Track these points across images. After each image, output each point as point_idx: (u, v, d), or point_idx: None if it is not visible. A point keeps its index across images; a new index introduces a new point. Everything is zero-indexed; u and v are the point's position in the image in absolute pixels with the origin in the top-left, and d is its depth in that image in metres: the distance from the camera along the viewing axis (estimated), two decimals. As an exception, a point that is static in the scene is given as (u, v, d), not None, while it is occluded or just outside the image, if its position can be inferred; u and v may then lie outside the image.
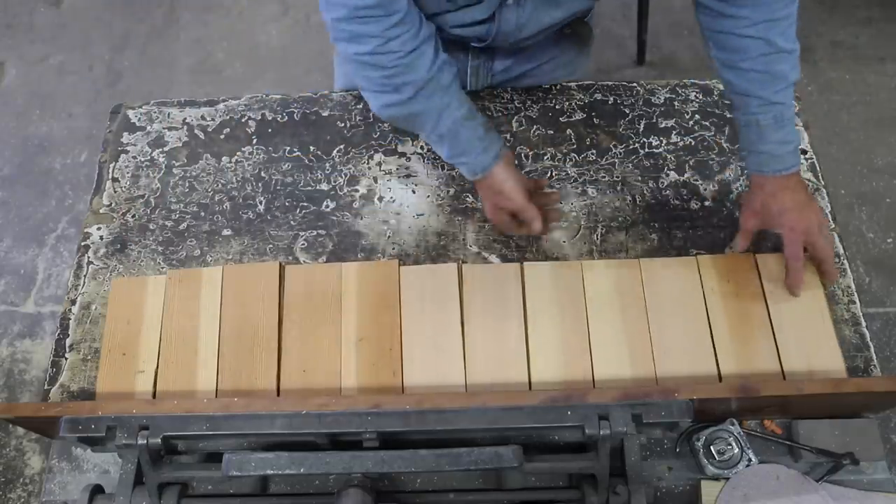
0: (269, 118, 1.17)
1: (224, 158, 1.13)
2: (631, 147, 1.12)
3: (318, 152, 1.13)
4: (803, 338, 0.92)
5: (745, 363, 0.91)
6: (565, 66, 1.20)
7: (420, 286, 0.97)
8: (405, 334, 0.94)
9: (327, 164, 1.12)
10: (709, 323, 0.93)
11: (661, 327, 0.93)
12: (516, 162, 1.11)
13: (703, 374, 0.90)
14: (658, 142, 1.13)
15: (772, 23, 0.87)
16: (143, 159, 1.14)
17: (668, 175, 1.10)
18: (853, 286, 1.00)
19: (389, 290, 0.97)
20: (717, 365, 0.91)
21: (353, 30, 0.82)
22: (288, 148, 1.13)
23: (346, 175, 1.11)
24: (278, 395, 0.91)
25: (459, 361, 0.92)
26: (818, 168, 1.10)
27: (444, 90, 0.89)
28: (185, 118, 1.18)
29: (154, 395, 0.92)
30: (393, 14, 0.82)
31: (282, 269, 0.99)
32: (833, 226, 1.05)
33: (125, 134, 1.16)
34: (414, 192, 1.09)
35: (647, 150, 1.12)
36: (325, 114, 1.17)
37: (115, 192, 1.11)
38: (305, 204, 1.09)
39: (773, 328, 0.93)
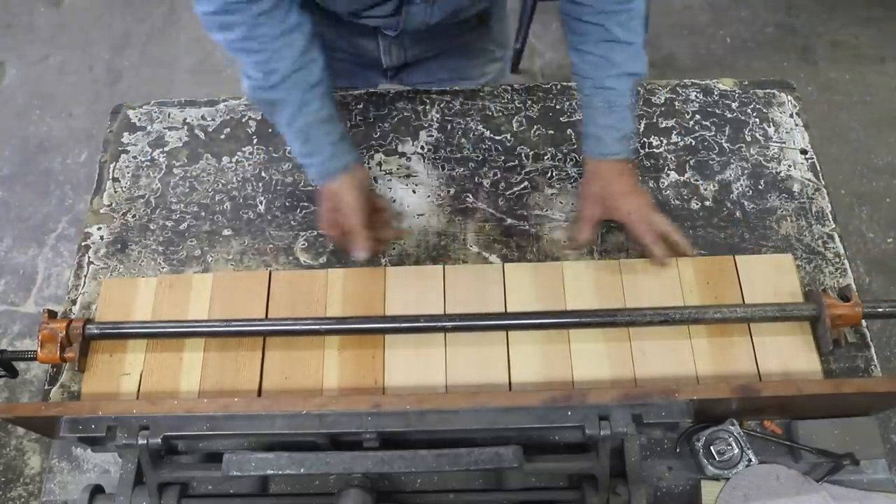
0: (270, 118, 1.17)
1: (224, 158, 1.13)
2: (631, 147, 1.12)
3: (319, 152, 1.13)
4: (780, 340, 0.92)
5: (722, 364, 0.91)
6: (479, 57, 1.24)
7: (405, 287, 0.97)
8: (388, 335, 0.94)
9: (327, 164, 1.12)
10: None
11: (640, 328, 0.93)
12: (515, 162, 1.11)
13: (682, 375, 0.91)
14: (658, 142, 1.13)
15: (610, 13, 0.92)
16: (143, 159, 1.14)
17: (668, 175, 1.10)
18: (853, 286, 0.99)
19: (375, 297, 0.97)
20: (695, 366, 0.91)
21: (222, 20, 0.87)
22: (288, 148, 1.13)
23: (346, 175, 1.11)
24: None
25: (441, 363, 0.92)
26: (818, 168, 1.10)
27: (309, 87, 0.90)
28: (186, 118, 1.17)
29: (137, 398, 0.91)
30: (256, 3, 0.85)
31: (270, 276, 0.99)
32: (833, 226, 1.05)
33: (125, 134, 1.16)
34: (414, 192, 1.09)
35: (647, 150, 1.12)
36: (326, 114, 1.17)
37: (116, 192, 1.11)
38: (305, 204, 1.09)
39: (750, 330, 0.93)
